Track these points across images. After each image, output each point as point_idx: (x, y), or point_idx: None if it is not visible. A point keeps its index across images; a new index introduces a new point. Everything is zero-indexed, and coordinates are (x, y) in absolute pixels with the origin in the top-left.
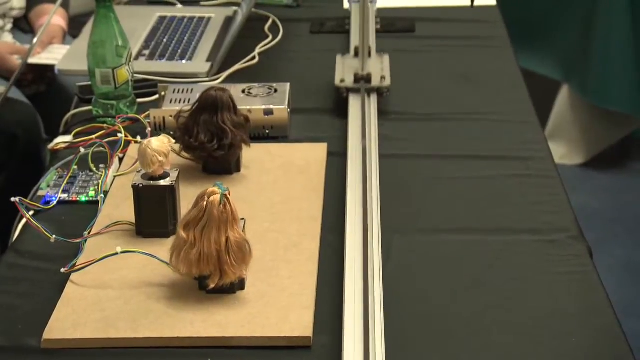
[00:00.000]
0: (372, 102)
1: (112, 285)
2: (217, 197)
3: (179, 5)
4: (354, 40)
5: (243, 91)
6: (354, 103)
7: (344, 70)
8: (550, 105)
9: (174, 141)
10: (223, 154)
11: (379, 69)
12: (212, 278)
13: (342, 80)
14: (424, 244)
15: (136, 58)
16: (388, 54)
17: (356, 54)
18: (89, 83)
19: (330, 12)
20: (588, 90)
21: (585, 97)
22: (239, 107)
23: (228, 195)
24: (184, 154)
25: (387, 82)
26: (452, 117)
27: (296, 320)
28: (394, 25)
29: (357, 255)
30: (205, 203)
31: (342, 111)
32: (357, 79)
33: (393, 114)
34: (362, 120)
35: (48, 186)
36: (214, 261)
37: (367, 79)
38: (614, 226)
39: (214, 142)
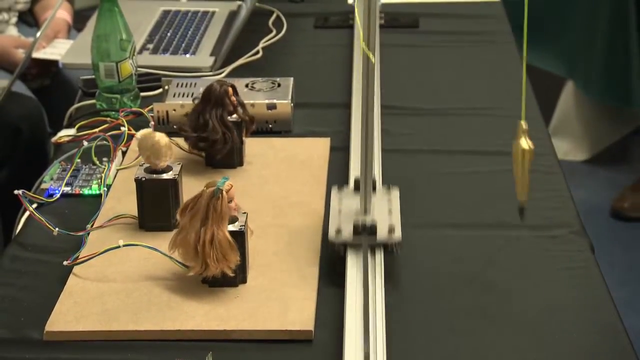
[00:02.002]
0: (377, 264)
1: (115, 278)
2: (212, 190)
3: None
4: (354, 168)
5: (246, 85)
6: (352, 263)
7: (341, 216)
8: (555, 101)
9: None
10: (227, 148)
11: (386, 211)
12: (194, 267)
13: (338, 232)
14: (426, 239)
15: (140, 52)
16: (397, 189)
17: (356, 188)
18: (93, 77)
19: (334, 6)
20: (591, 87)
21: (588, 93)
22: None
23: (224, 192)
24: (188, 147)
25: (398, 234)
26: (454, 112)
27: (297, 314)
28: (397, 21)
29: (359, 250)
30: (201, 192)
31: (344, 107)
32: (358, 230)
33: (396, 109)
34: (363, 294)
35: (51, 179)
36: (192, 250)
37: (371, 229)
38: (617, 222)
39: (218, 136)
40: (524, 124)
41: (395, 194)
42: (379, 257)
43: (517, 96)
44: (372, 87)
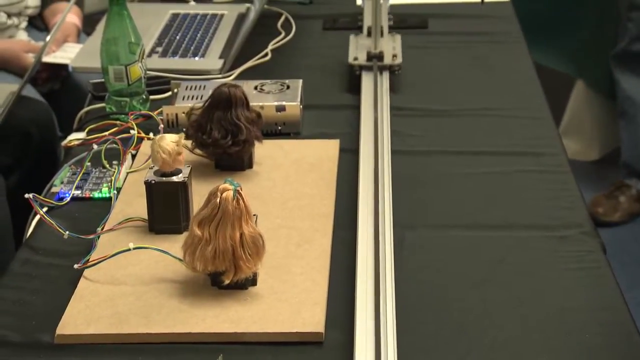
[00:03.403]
0: (385, 80)
1: (125, 281)
2: (230, 193)
3: (192, 2)
4: (367, 20)
5: (255, 88)
6: (366, 80)
7: (357, 49)
8: (565, 101)
9: (184, 137)
10: (237, 150)
11: (391, 47)
12: (226, 274)
13: (355, 58)
14: (436, 240)
15: (149, 55)
16: (400, 34)
17: (369, 34)
18: (103, 80)
19: (343, 8)
20: (602, 85)
21: (599, 92)
22: (251, 104)
23: (240, 191)
24: (197, 150)
25: (399, 59)
26: (464, 113)
27: (308, 316)
28: (406, 22)
29: (369, 252)
30: (218, 200)
31: (354, 108)
32: (370, 56)
33: (405, 110)
34: (373, 95)
35: (61, 183)
36: (229, 257)
37: (380, 57)
38: (629, 222)
39: (228, 139)
40: None
41: (398, 37)
42: (386, 76)
43: (527, 96)
44: (382, 88)
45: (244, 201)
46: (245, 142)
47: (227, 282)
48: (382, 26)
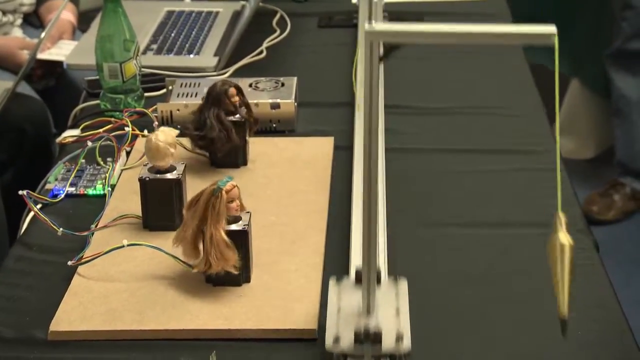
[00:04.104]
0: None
1: (119, 278)
2: (212, 189)
3: (187, 0)
4: (355, 259)
5: (250, 85)
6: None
7: (340, 317)
8: (561, 99)
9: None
10: (227, 147)
11: (393, 311)
12: (198, 265)
13: (337, 340)
14: (430, 238)
15: (144, 52)
16: (405, 280)
17: (358, 280)
18: (97, 77)
19: (338, 6)
20: (597, 85)
21: (594, 91)
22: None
23: (224, 192)
24: (192, 147)
25: (407, 343)
26: (459, 111)
27: (302, 313)
28: (402, 20)
29: (363, 249)
30: (203, 190)
31: (348, 106)
32: (360, 338)
33: (400, 108)
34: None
35: (56, 179)
36: (191, 247)
37: (375, 337)
38: (623, 220)
39: (222, 136)
40: (562, 216)
41: (403, 286)
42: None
43: (522, 95)
44: (376, 86)
45: (220, 203)
46: (237, 139)
47: (195, 271)
48: (380, 270)
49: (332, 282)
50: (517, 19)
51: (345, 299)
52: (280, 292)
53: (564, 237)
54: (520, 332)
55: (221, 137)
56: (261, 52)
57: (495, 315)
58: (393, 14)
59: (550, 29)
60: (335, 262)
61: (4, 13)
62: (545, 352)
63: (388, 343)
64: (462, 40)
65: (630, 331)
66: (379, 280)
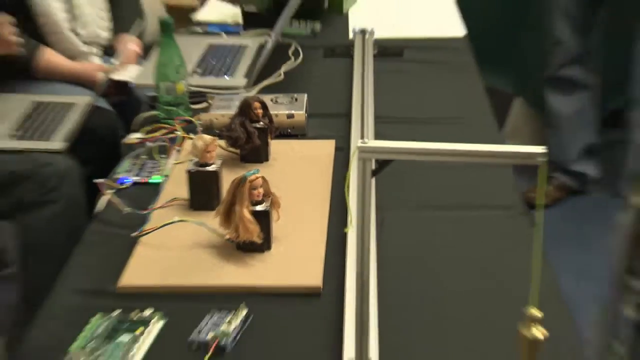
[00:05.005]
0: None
1: (171, 246)
2: (240, 178)
3: (224, 36)
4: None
5: (271, 100)
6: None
7: None
8: (508, 112)
9: (217, 139)
10: (249, 146)
11: None
12: (230, 233)
13: None
14: (410, 218)
15: (191, 74)
16: None
17: None
18: (156, 94)
19: (339, 40)
20: (535, 102)
21: (534, 107)
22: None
23: (248, 181)
24: (226, 147)
25: None
26: (431, 121)
27: (310, 274)
28: (386, 51)
29: (357, 227)
30: (237, 177)
31: (346, 116)
32: None
33: (385, 118)
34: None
35: (124, 171)
36: (225, 219)
37: None
38: (554, 206)
39: (237, 134)
40: (535, 312)
41: None
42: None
43: (478, 109)
44: (368, 203)
45: (246, 188)
46: (261, 141)
47: (228, 237)
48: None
49: None
50: (475, 51)
51: None
52: (294, 257)
53: (537, 332)
54: (465, 300)
55: (244, 139)
56: (280, 75)
57: (445, 287)
58: (380, 48)
59: (539, 149)
60: (335, 236)
61: (86, 44)
62: (489, 319)
63: None
64: (454, 158)
65: (559, 292)
66: None
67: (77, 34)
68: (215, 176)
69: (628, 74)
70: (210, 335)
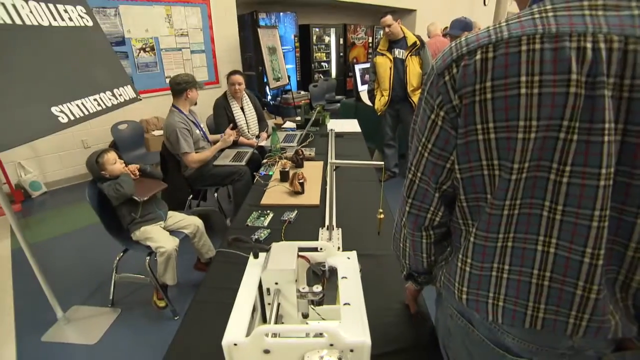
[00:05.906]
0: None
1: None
2: (294, 172)
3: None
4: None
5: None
6: None
7: None
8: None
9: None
10: (297, 162)
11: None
12: (294, 185)
13: None
14: (348, 190)
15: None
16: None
17: None
18: (271, 146)
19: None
20: (380, 150)
21: (380, 151)
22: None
23: (297, 175)
24: (295, 161)
25: None
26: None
27: (314, 198)
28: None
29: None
30: (296, 172)
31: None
32: None
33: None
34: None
35: (262, 170)
36: (291, 182)
37: None
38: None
39: (296, 158)
40: (381, 212)
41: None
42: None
43: (362, 153)
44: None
45: (298, 175)
46: (301, 160)
47: (291, 189)
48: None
49: None
50: (364, 133)
51: None
52: (310, 194)
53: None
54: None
55: (295, 160)
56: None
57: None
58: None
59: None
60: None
61: (252, 134)
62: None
63: None
64: None
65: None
66: None
67: (248, 130)
68: (285, 172)
69: None
70: None
